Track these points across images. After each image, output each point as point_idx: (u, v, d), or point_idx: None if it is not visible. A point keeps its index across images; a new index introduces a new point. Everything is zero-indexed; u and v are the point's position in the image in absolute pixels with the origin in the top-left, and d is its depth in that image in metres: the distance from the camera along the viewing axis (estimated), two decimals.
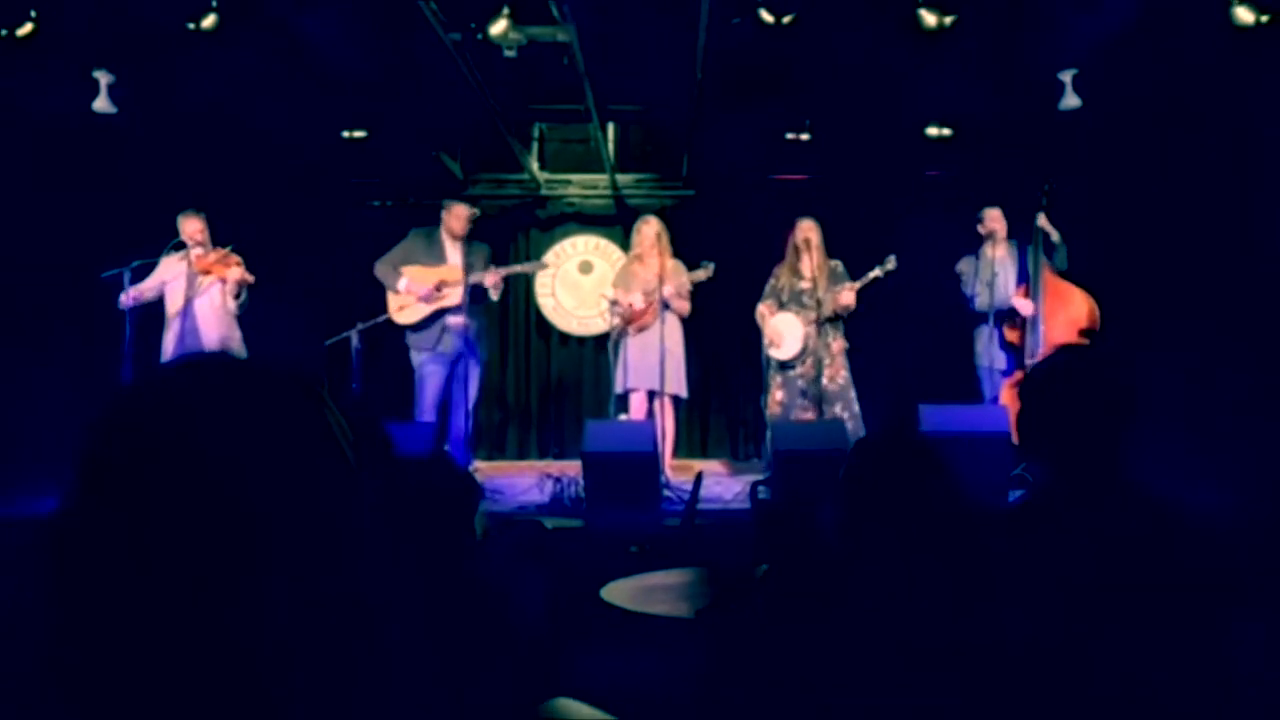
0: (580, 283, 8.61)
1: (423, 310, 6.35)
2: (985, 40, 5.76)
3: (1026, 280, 6.27)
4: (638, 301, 6.45)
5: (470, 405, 6.46)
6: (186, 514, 0.69)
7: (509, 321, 8.71)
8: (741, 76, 6.46)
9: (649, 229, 6.55)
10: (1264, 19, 5.21)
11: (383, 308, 6.42)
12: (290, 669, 0.70)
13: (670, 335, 6.39)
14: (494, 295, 6.44)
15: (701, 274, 6.40)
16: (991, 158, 7.40)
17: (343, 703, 0.73)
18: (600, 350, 8.17)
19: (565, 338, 8.69)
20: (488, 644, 1.86)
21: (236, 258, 6.24)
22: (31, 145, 6.47)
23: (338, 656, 0.73)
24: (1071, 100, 6.07)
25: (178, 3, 5.44)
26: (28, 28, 5.45)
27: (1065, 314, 6.12)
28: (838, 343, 6.42)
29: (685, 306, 6.53)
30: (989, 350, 6.43)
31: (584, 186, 8.70)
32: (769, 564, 2.33)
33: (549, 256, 8.49)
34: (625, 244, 7.48)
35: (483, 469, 7.38)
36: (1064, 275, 6.20)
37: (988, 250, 6.44)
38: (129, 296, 6.06)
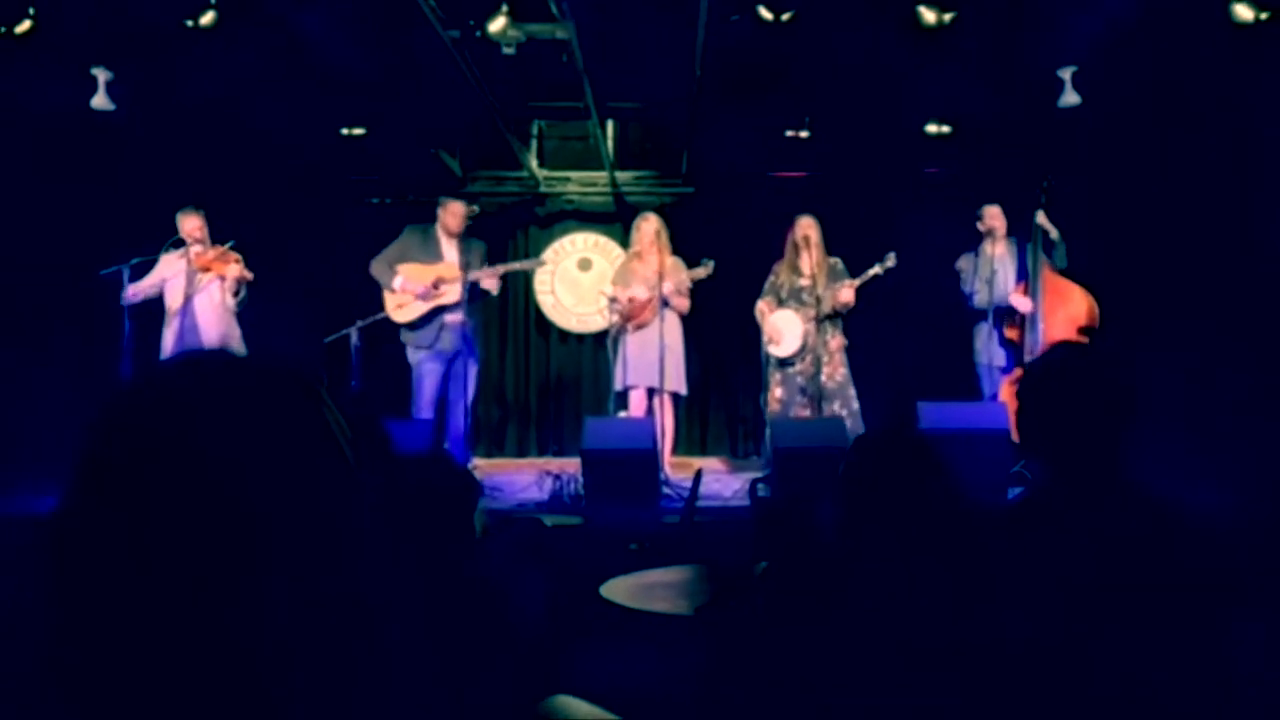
0: (579, 280, 8.60)
1: (421, 308, 6.34)
2: (984, 37, 5.76)
3: (1026, 278, 6.27)
4: (640, 294, 6.43)
5: (468, 402, 6.46)
6: (185, 512, 0.68)
7: (508, 319, 8.72)
8: (741, 74, 6.46)
9: (648, 226, 6.54)
10: (1263, 16, 5.21)
11: (382, 305, 6.41)
12: (290, 667, 0.70)
13: (670, 332, 6.39)
14: (494, 290, 6.43)
15: (701, 271, 6.40)
16: (991, 155, 7.40)
17: (342, 700, 0.73)
18: (599, 347, 8.17)
19: (565, 335, 8.70)
20: (487, 641, 1.86)
21: (236, 255, 6.24)
22: (30, 142, 6.46)
23: (337, 655, 0.73)
24: (1071, 97, 6.06)
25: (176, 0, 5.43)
26: (26, 24, 5.44)
27: (1064, 311, 6.12)
28: (837, 340, 6.42)
29: (685, 304, 6.53)
30: (988, 347, 6.43)
31: (583, 184, 8.69)
32: (768, 561, 2.33)
33: (548, 254, 8.49)
34: (624, 241, 7.47)
35: (482, 466, 7.38)
36: (1063, 273, 6.20)
37: (987, 247, 6.44)
38: (131, 292, 6.06)
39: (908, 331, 7.66)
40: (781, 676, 1.82)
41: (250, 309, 6.34)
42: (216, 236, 6.28)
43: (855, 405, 6.37)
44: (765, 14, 5.45)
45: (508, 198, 8.68)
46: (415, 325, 6.38)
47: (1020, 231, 6.36)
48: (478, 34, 5.53)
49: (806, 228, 6.41)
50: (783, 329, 6.40)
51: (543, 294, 8.64)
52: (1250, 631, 1.79)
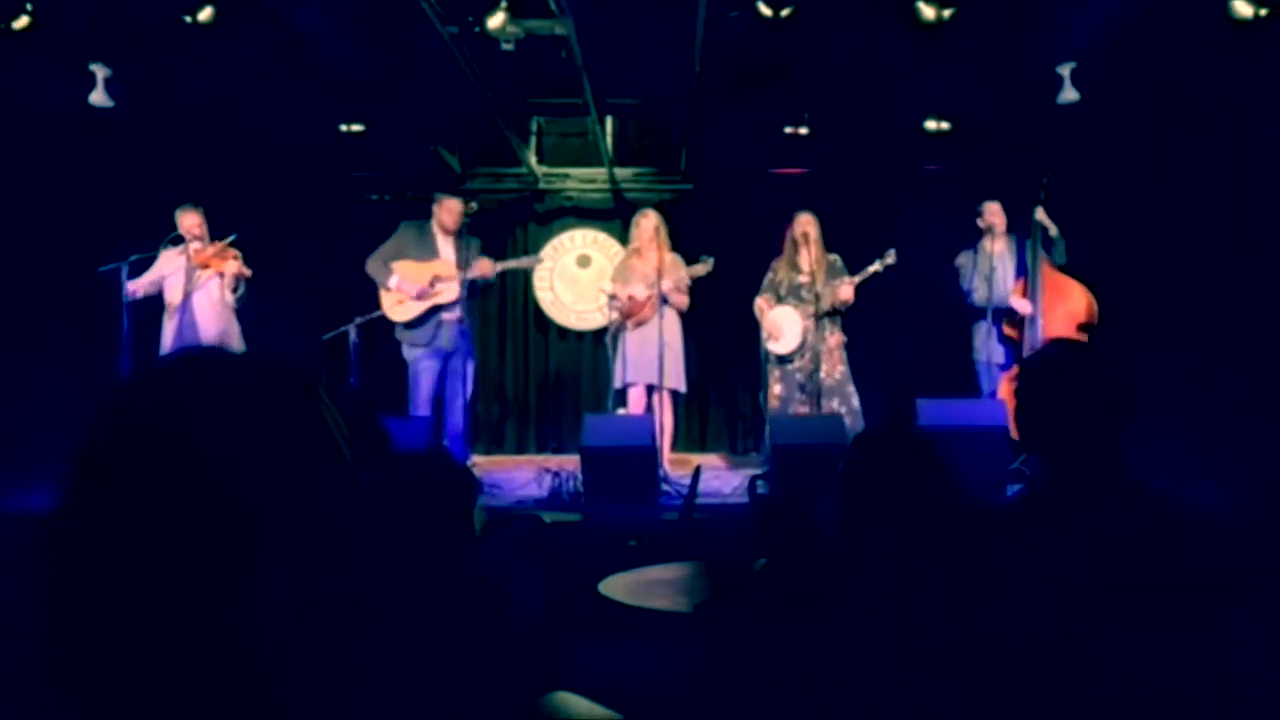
0: (578, 277, 8.60)
1: (418, 306, 6.32)
2: (984, 34, 5.75)
3: (1025, 274, 6.26)
4: (639, 292, 6.43)
5: (467, 399, 6.45)
6: (183, 509, 0.68)
7: (507, 316, 8.71)
8: (740, 70, 6.45)
9: (647, 223, 6.54)
10: (1263, 13, 5.20)
11: (379, 303, 6.40)
12: (288, 665, 0.70)
13: (669, 329, 6.39)
14: (489, 275, 6.39)
15: (700, 269, 6.40)
16: (990, 152, 7.39)
17: (341, 698, 0.73)
18: (599, 344, 8.16)
19: (564, 332, 8.69)
20: (486, 639, 1.86)
21: (234, 251, 6.23)
22: (28, 139, 6.45)
23: (336, 653, 0.73)
24: (1070, 94, 6.05)
25: None
26: (24, 21, 5.43)
27: (1064, 308, 6.12)
28: (836, 337, 6.42)
29: (684, 301, 6.53)
30: (987, 345, 6.43)
31: (582, 180, 8.69)
32: (767, 558, 2.33)
33: (547, 250, 8.48)
34: (623, 238, 7.47)
35: (481, 463, 7.38)
36: (1062, 270, 6.20)
37: (986, 244, 6.43)
38: (131, 288, 6.05)
39: (907, 328, 7.66)
40: (780, 674, 1.82)
41: (249, 306, 6.34)
42: (215, 233, 6.28)
43: (854, 402, 6.37)
44: (765, 10, 5.44)
45: (507, 194, 8.67)
46: (412, 324, 6.37)
47: (1019, 228, 6.36)
48: (476, 30, 5.51)
49: (805, 224, 6.41)
50: (782, 326, 6.40)
51: (542, 291, 8.63)
52: (1250, 631, 1.79)
